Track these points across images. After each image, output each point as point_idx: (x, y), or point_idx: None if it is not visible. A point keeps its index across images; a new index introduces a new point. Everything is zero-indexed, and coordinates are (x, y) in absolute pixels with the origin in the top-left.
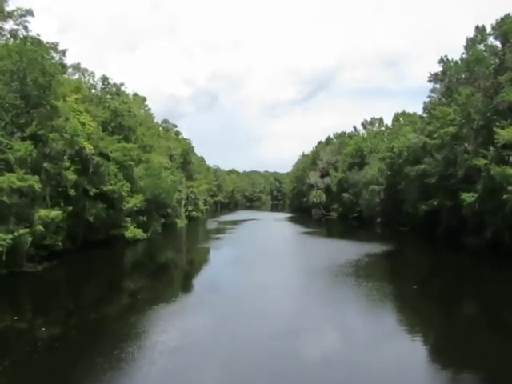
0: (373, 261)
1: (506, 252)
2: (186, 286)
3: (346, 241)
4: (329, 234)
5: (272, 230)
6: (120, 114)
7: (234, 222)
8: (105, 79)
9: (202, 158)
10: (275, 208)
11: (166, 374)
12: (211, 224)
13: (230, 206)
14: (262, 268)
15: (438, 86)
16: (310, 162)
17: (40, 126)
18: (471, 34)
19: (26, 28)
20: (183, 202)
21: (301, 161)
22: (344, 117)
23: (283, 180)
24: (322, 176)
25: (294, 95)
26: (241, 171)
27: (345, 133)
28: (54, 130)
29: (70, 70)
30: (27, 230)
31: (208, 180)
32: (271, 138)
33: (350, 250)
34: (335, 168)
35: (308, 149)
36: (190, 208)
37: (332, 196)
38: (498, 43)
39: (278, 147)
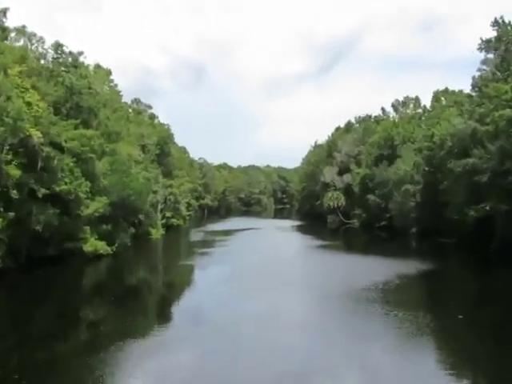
0: (406, 283)
1: None
2: (163, 316)
3: (372, 257)
4: (349, 249)
5: (275, 243)
6: (77, 92)
7: (226, 233)
8: (58, 47)
9: (185, 148)
10: (279, 214)
11: None
12: (196, 235)
13: (221, 211)
14: (263, 293)
15: (491, 56)
16: (324, 154)
17: None
18: None
19: None
20: (159, 206)
21: (313, 153)
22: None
23: (290, 178)
24: (341, 173)
25: (304, 68)
26: (235, 166)
27: (370, 116)
28: None
29: (12, 35)
30: None
31: (192, 178)
32: (274, 123)
33: (376, 269)
34: (357, 162)
35: (322, 137)
36: (168, 214)
37: (353, 198)
38: None
39: (283, 135)
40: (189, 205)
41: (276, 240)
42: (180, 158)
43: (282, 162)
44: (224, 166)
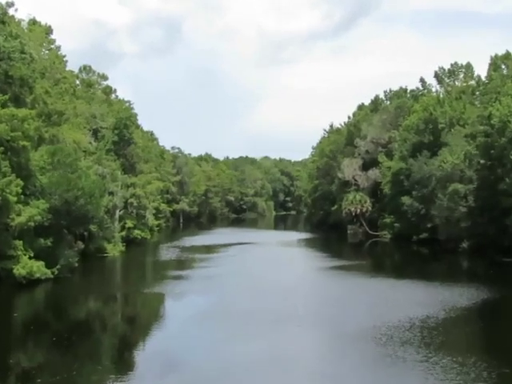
0: (454, 318)
1: None
2: (122, 364)
3: (408, 282)
4: (377, 271)
5: (276, 264)
6: (5, 57)
7: (209, 250)
8: None
9: (153, 134)
10: (282, 223)
11: None
12: (168, 252)
13: (202, 219)
14: (259, 332)
15: None
16: (343, 141)
17: None
18: None
19: None
20: (118, 212)
21: (327, 140)
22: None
23: (296, 174)
24: (366, 167)
25: (317, 24)
26: (221, 158)
27: (405, 90)
28: None
29: None
30: None
31: (163, 174)
32: (275, 100)
33: (413, 299)
34: (388, 153)
35: (340, 119)
36: (130, 224)
37: (382, 202)
38: None
39: (288, 116)
40: (158, 211)
41: (277, 259)
42: (146, 148)
43: (285, 153)
44: (206, 158)
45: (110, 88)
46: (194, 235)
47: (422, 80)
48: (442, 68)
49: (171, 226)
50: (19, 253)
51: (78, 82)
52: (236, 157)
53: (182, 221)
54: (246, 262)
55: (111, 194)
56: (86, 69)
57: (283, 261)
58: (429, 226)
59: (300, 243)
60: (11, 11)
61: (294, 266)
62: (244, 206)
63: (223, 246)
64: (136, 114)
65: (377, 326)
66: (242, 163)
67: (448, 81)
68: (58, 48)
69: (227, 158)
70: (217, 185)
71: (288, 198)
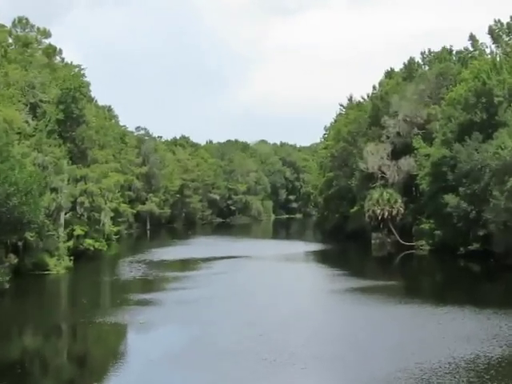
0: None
1: None
2: None
3: (454, 309)
4: (412, 294)
5: (274, 284)
6: None
7: (185, 265)
8: None
9: (111, 111)
10: (284, 229)
11: None
12: (130, 268)
13: (177, 224)
14: (250, 380)
15: None
16: (366, 120)
17: None
18: None
19: None
20: (64, 215)
21: (345, 119)
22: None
23: (303, 164)
24: (396, 154)
25: None
26: (202, 143)
27: (450, 52)
28: None
29: None
30: None
31: (124, 164)
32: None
33: (461, 333)
34: (426, 135)
35: (362, 90)
36: (79, 230)
37: (419, 202)
38: None
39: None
40: (118, 214)
41: (276, 279)
42: (102, 128)
43: (288, 136)
44: (183, 143)
45: (54, 48)
46: (166, 246)
47: (473, 38)
48: (498, 22)
49: (135, 233)
50: None
51: (10, 39)
52: (222, 141)
53: (149, 227)
54: (234, 282)
55: (54, 190)
56: (21, 22)
57: (284, 281)
58: (481, 234)
59: (308, 257)
60: None
61: (300, 287)
62: (233, 208)
63: (205, 261)
64: (88, 84)
65: (409, 370)
66: (231, 149)
67: (507, 39)
68: None
69: (210, 142)
70: (196, 178)
71: (292, 197)
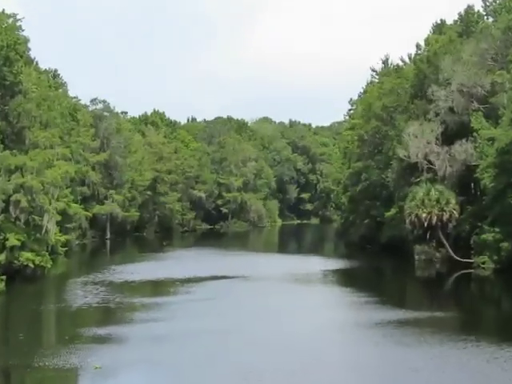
0: None
1: None
2: None
3: None
4: (472, 330)
5: (279, 314)
6: None
7: (158, 288)
8: None
9: (58, 77)
10: (294, 239)
11: None
12: (84, 292)
13: (147, 231)
14: None
15: None
16: (407, 91)
17: None
18: None
19: None
20: None
21: (378, 89)
22: None
23: (320, 150)
24: (448, 138)
25: None
26: (182, 121)
27: None
28: None
29: None
30: None
31: (75, 149)
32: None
33: None
34: (490, 112)
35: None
36: (14, 240)
37: (480, 203)
38: None
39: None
40: (66, 217)
41: (282, 307)
42: (45, 100)
43: (299, 113)
44: (155, 121)
45: None
46: (132, 262)
47: None
48: None
49: (90, 244)
50: None
51: None
52: (210, 118)
53: (109, 235)
54: (223, 312)
55: None
56: None
57: (293, 311)
58: None
59: (326, 278)
60: None
61: (314, 320)
62: (224, 210)
63: (184, 283)
64: (27, 40)
65: None
66: (222, 130)
67: None
68: None
69: (193, 119)
70: (174, 169)
71: (305, 195)
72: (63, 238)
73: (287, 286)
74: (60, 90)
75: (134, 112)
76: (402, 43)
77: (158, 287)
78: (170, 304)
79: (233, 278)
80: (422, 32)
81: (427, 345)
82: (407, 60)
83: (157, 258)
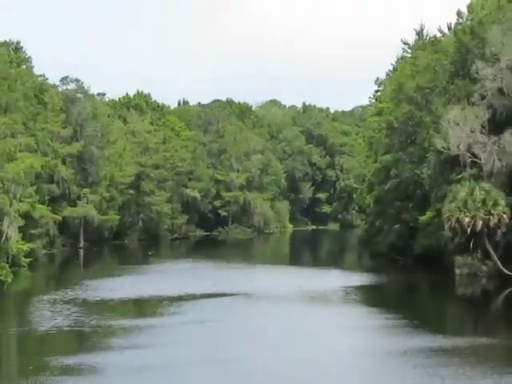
0: None
1: None
2: None
3: None
4: None
5: (291, 344)
6: None
7: (140, 308)
8: None
9: (20, 50)
10: (308, 248)
11: None
12: (52, 313)
13: (129, 239)
14: None
15: None
16: (445, 68)
17: None
18: None
19: None
20: None
21: (410, 65)
22: None
23: (340, 141)
24: (497, 126)
25: None
26: (171, 105)
27: None
28: None
29: None
30: None
31: (42, 138)
32: None
33: None
34: None
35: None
36: None
37: None
38: None
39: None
40: (30, 221)
41: (295, 332)
42: (5, 80)
43: (314, 95)
44: (140, 104)
45: None
46: (111, 276)
47: None
48: None
49: (60, 254)
50: None
51: None
52: (206, 101)
53: (82, 243)
54: (222, 336)
55: None
56: None
57: (309, 335)
58: None
59: (349, 296)
60: None
61: (334, 346)
62: (223, 213)
63: (173, 302)
64: None
65: None
66: (220, 116)
67: None
68: None
69: (185, 103)
70: (162, 164)
71: (321, 195)
72: (27, 247)
73: (300, 305)
74: (23, 67)
75: (114, 93)
76: (441, 10)
77: (142, 307)
78: (155, 327)
79: (233, 295)
80: None
81: (466, 378)
82: (446, 31)
83: (140, 272)
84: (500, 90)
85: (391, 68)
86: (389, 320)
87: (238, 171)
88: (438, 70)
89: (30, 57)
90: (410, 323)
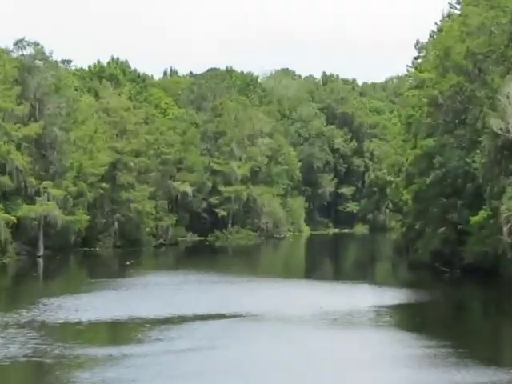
0: None
1: None
2: None
3: None
4: None
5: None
6: None
7: (116, 333)
8: None
9: None
10: (328, 256)
11: None
12: (3, 340)
13: (101, 245)
14: None
15: None
16: (503, 29)
17: None
18: None
19: None
20: None
21: (457, 25)
22: None
23: (370, 121)
24: None
25: None
26: (155, 75)
27: None
28: None
29: None
30: None
31: None
32: None
33: None
34: None
35: None
36: None
37: None
38: None
39: None
40: None
41: (316, 367)
42: None
43: (336, 62)
44: (115, 75)
45: None
46: (78, 292)
47: None
48: None
49: (13, 264)
50: None
51: None
52: (200, 70)
53: (42, 251)
54: (220, 368)
55: None
56: None
57: (332, 366)
58: None
59: (381, 318)
60: None
61: (364, 381)
62: (222, 212)
63: (158, 326)
64: None
65: None
66: (217, 88)
67: None
68: None
69: (174, 72)
70: (144, 149)
71: (346, 190)
72: None
73: (320, 330)
74: None
75: (83, 61)
76: None
77: (117, 332)
78: (133, 358)
79: (234, 317)
80: None
81: None
82: None
83: (116, 287)
84: None
85: (435, 28)
86: (431, 348)
87: (241, 159)
88: (495, 30)
89: None
90: (457, 352)
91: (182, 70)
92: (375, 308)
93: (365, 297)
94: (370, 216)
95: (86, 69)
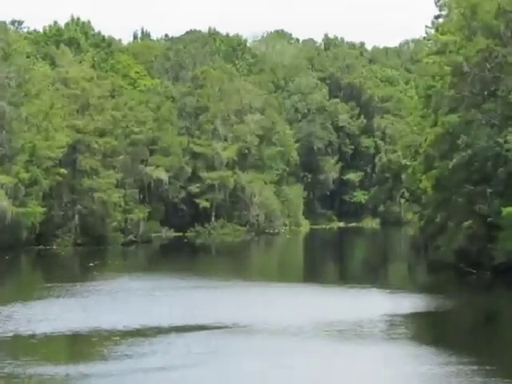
0: None
1: None
2: None
3: None
4: None
5: None
6: None
7: (78, 347)
8: None
9: None
10: (331, 256)
11: None
12: None
13: (58, 243)
14: None
15: None
16: None
17: None
18: None
19: None
20: None
21: None
22: None
23: (381, 93)
24: None
25: None
26: (125, 40)
27: None
28: None
29: None
30: None
31: None
32: None
33: None
34: None
35: None
36: None
37: None
38: None
39: None
40: None
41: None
42: None
43: (340, 23)
44: (75, 39)
45: None
46: (31, 299)
47: None
48: None
49: None
50: None
51: None
52: (177, 33)
53: None
54: None
55: None
56: None
57: None
58: None
59: (396, 329)
60: None
61: None
62: (204, 203)
63: (129, 338)
64: None
65: None
66: (198, 54)
67: None
68: None
69: (146, 35)
70: (110, 128)
71: (353, 176)
72: None
73: (323, 344)
74: None
75: (37, 22)
76: None
77: (77, 346)
78: (95, 377)
79: (219, 328)
80: None
81: None
82: None
83: (76, 293)
84: None
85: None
86: (452, 365)
87: (226, 140)
88: None
89: None
90: (484, 370)
91: (156, 33)
92: (388, 317)
93: (376, 304)
94: (381, 207)
95: (41, 31)
